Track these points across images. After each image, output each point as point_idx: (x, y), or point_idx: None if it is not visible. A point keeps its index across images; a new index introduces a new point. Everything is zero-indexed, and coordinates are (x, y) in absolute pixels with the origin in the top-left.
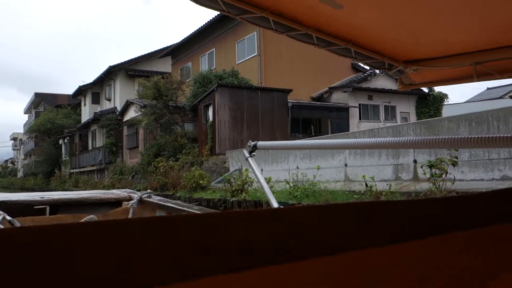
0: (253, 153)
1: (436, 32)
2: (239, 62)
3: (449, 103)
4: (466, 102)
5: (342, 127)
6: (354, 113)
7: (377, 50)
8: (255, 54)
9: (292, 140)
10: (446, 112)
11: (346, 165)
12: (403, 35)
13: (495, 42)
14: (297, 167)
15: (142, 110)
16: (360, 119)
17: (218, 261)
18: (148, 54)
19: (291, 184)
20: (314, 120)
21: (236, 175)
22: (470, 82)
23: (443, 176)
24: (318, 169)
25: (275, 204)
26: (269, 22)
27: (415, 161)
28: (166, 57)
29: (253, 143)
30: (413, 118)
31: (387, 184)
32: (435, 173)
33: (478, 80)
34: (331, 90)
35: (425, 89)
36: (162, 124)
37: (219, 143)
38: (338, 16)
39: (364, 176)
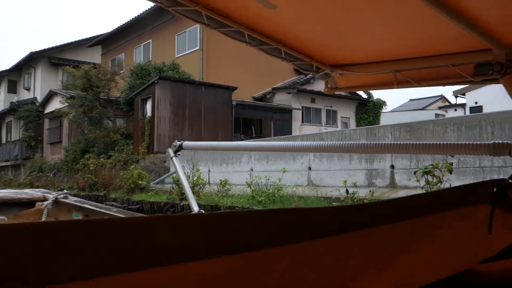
0: (178, 153)
1: (361, 39)
2: (178, 55)
3: (386, 110)
4: (391, 111)
5: (284, 129)
6: (297, 115)
7: (306, 53)
8: (197, 48)
9: (235, 141)
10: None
11: (310, 168)
12: (331, 40)
13: (413, 52)
14: (251, 169)
15: (69, 101)
16: (302, 122)
17: (126, 261)
18: (76, 42)
19: (253, 188)
20: (256, 121)
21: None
22: (391, 88)
23: (440, 185)
24: (283, 172)
25: (195, 208)
26: (202, 16)
27: (392, 167)
28: (96, 47)
29: (178, 142)
30: (353, 123)
31: (356, 191)
32: (429, 180)
33: (398, 87)
34: (274, 90)
35: (364, 95)
36: (92, 118)
37: (158, 140)
38: (270, 16)
39: (345, 181)
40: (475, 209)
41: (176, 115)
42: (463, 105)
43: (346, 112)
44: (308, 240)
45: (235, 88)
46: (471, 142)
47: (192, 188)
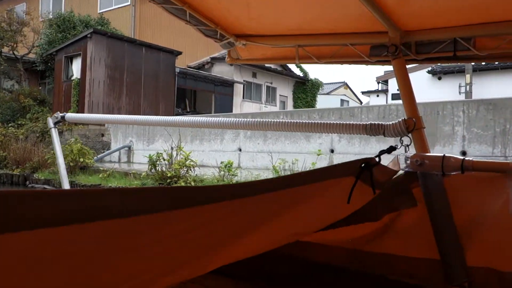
0: (57, 125)
1: (268, 10)
2: (102, 10)
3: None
4: None
5: (226, 105)
6: (238, 90)
7: (211, 18)
8: (128, 3)
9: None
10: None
11: (332, 151)
12: (238, 8)
13: (316, 29)
14: (239, 149)
15: None
16: (243, 98)
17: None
18: None
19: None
20: (193, 93)
21: (127, 153)
22: (293, 63)
23: None
24: (318, 154)
25: (66, 186)
26: None
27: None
28: None
29: (61, 114)
30: (290, 103)
31: None
32: None
33: (300, 62)
34: (214, 61)
35: (301, 74)
36: None
37: (90, 108)
38: None
39: None
40: (341, 180)
41: (113, 79)
42: (385, 91)
43: (285, 91)
44: (170, 210)
45: (180, 53)
46: (350, 122)
47: (177, 170)
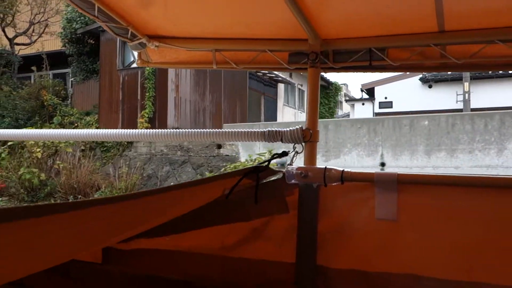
0: None
1: (185, 10)
2: None
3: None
4: None
5: (271, 110)
6: (281, 92)
7: (123, 15)
8: None
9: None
10: None
11: None
12: (153, 6)
13: (234, 33)
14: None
15: None
16: (287, 103)
17: None
18: None
19: None
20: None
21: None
22: (210, 68)
23: None
24: None
25: None
26: None
27: None
28: None
29: None
30: None
31: None
32: None
33: (218, 68)
34: None
35: (326, 76)
36: None
37: (178, 108)
38: None
39: None
40: (229, 181)
41: (197, 70)
42: (371, 99)
43: None
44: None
45: None
46: (248, 130)
47: None
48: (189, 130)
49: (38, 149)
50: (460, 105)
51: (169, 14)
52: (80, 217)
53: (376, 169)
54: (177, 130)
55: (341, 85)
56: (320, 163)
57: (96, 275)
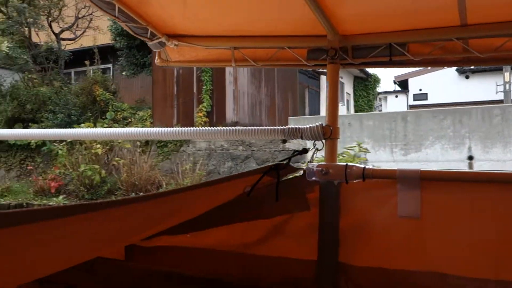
0: None
1: (204, 9)
2: None
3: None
4: None
5: (314, 102)
6: (323, 83)
7: (142, 15)
8: None
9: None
10: None
11: None
12: (172, 5)
13: (252, 30)
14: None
15: None
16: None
17: None
18: None
19: None
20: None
21: None
22: (228, 66)
23: None
24: None
25: None
26: None
27: None
28: None
29: None
30: (352, 102)
31: None
32: None
33: (236, 66)
34: None
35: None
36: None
37: (236, 101)
38: None
39: None
40: (250, 178)
41: None
42: (405, 92)
43: (348, 87)
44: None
45: None
46: (269, 128)
47: None
48: (212, 128)
49: (98, 146)
50: (500, 96)
51: (187, 13)
52: (105, 216)
53: (464, 164)
54: (202, 128)
55: (378, 78)
56: (398, 157)
57: (119, 271)
